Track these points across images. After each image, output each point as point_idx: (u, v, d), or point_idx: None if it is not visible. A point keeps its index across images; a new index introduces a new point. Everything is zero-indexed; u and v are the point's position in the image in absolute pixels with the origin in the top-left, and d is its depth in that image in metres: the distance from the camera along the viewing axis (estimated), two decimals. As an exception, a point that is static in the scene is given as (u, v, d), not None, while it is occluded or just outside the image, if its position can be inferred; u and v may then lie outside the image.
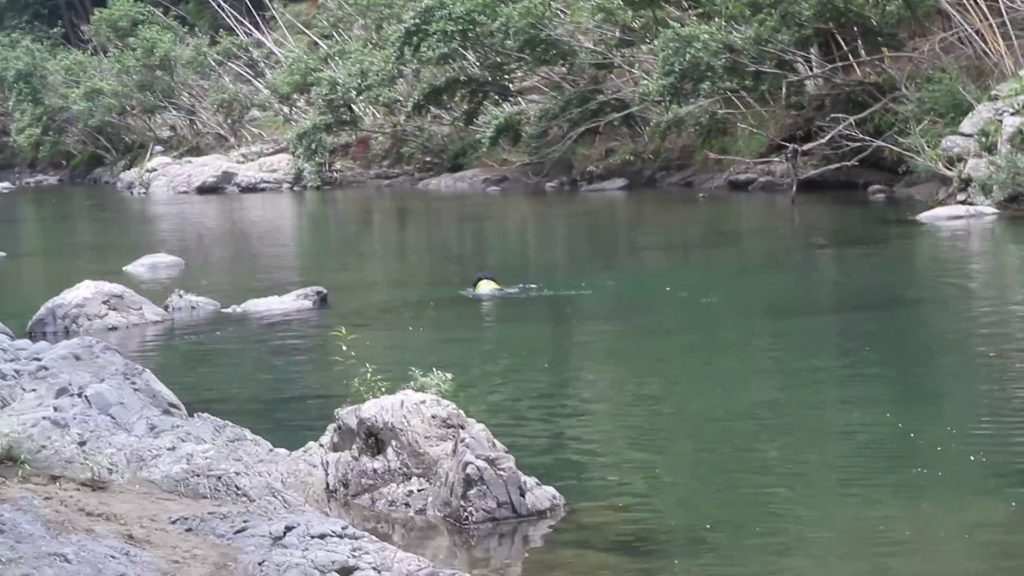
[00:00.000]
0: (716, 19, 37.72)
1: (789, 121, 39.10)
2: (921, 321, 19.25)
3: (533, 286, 23.05)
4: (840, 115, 35.37)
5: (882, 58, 36.91)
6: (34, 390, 11.74)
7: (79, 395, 11.38)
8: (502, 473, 10.48)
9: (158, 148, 64.68)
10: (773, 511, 10.70)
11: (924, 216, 30.23)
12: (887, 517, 10.36)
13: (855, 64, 37.74)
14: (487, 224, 38.03)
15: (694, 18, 40.34)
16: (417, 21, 46.16)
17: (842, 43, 37.88)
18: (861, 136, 34.43)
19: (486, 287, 22.68)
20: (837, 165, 35.62)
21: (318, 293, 22.27)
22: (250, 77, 64.04)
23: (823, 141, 35.51)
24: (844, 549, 9.80)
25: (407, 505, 10.88)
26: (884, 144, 34.04)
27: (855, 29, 37.19)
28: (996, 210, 30.05)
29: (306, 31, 64.10)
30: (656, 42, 39.45)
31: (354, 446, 11.33)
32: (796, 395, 14.65)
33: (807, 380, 15.37)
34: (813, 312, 20.47)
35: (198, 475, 9.86)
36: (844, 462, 12.00)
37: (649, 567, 9.59)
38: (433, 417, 11.09)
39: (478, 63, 48.09)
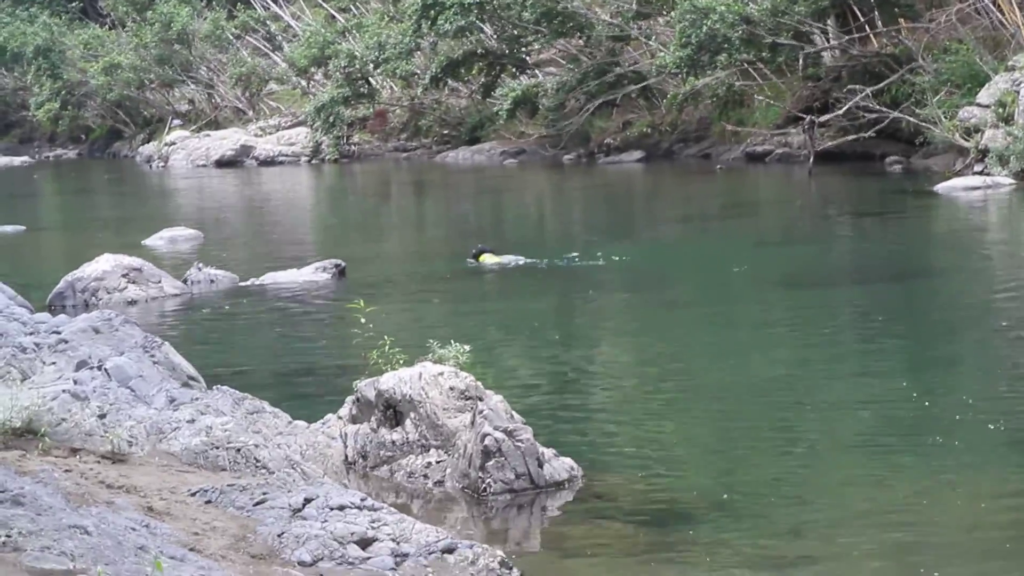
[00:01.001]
0: (733, -9, 37.69)
1: (806, 93, 38.89)
2: (938, 292, 19.27)
3: (546, 260, 23.08)
4: (857, 86, 35.18)
5: (899, 29, 36.66)
6: (54, 363, 11.77)
7: (99, 368, 11.39)
8: (520, 444, 10.52)
9: (176, 122, 64.67)
10: (790, 481, 10.70)
11: (941, 187, 30.19)
12: (904, 486, 10.38)
13: (872, 35, 37.52)
14: (504, 197, 38.00)
15: (711, -10, 40.40)
16: (435, -6, 46.19)
17: (859, 14, 37.62)
18: (878, 107, 34.29)
19: (489, 259, 22.85)
20: (854, 137, 35.48)
21: (336, 266, 22.29)
22: (268, 51, 63.88)
23: (840, 113, 35.34)
24: (861, 519, 9.80)
25: (425, 477, 10.91)
26: (901, 115, 33.92)
27: (872, 0, 37.03)
28: (1013, 181, 30.03)
29: (323, 4, 63.89)
30: (673, 14, 39.32)
31: (372, 418, 11.36)
32: (813, 366, 14.64)
33: (824, 351, 15.38)
34: (830, 283, 20.48)
35: (217, 447, 9.90)
36: (861, 432, 11.99)
37: (667, 537, 9.62)
38: (451, 389, 11.10)
39: (495, 36, 47.97)
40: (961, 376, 13.93)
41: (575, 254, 23.31)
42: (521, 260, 23.12)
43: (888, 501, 10.12)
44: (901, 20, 36.91)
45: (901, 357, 14.94)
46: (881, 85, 35.34)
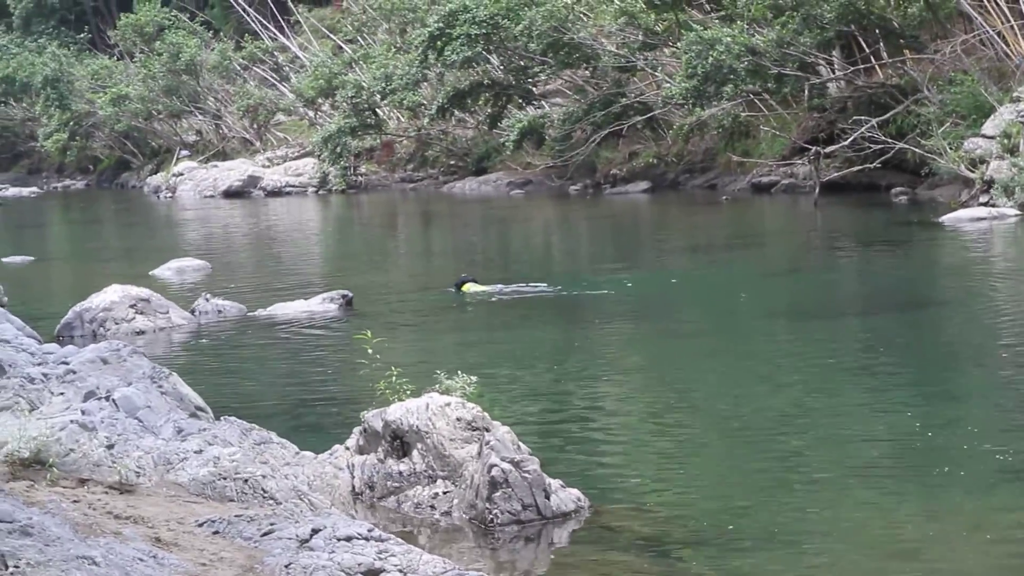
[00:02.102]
0: (738, 22, 37.81)
1: (811, 123, 39.11)
2: (943, 322, 19.28)
3: (548, 285, 23.24)
4: (862, 117, 35.38)
5: (904, 60, 36.85)
6: (62, 394, 11.71)
7: (107, 399, 11.37)
8: (527, 475, 10.52)
9: (184, 152, 64.98)
10: (796, 512, 10.72)
11: (947, 218, 30.25)
12: (910, 517, 10.39)
13: (877, 66, 37.76)
14: (511, 227, 38.13)
15: (716, 21, 40.39)
16: (441, 25, 46.37)
17: (864, 45, 37.85)
18: (883, 138, 34.42)
19: (472, 288, 22.99)
20: (860, 167, 35.61)
21: (343, 296, 22.29)
22: (275, 81, 64.23)
23: (845, 143, 35.52)
24: (866, 550, 9.81)
25: (432, 507, 10.90)
26: (906, 146, 34.05)
27: (877, 31, 37.20)
28: (1018, 212, 30.12)
29: (331, 35, 64.25)
30: (679, 45, 39.59)
31: (380, 449, 11.36)
32: (818, 396, 14.67)
33: (829, 381, 15.42)
34: (835, 314, 20.49)
35: (225, 478, 9.88)
36: (867, 463, 11.98)
37: (673, 568, 9.63)
38: (458, 420, 11.11)
39: (502, 67, 48.30)
40: (967, 407, 13.90)
41: (593, 282, 23.47)
42: (506, 288, 23.24)
43: (895, 532, 10.12)
44: (906, 51, 37.07)
45: (907, 388, 14.93)
46: (886, 116, 35.52)
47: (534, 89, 49.42)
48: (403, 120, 54.99)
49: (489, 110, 50.05)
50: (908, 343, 17.65)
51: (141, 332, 20.81)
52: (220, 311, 22.11)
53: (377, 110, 53.22)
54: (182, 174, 60.45)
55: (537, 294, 22.83)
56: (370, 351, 12.61)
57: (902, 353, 16.91)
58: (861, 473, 11.70)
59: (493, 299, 22.65)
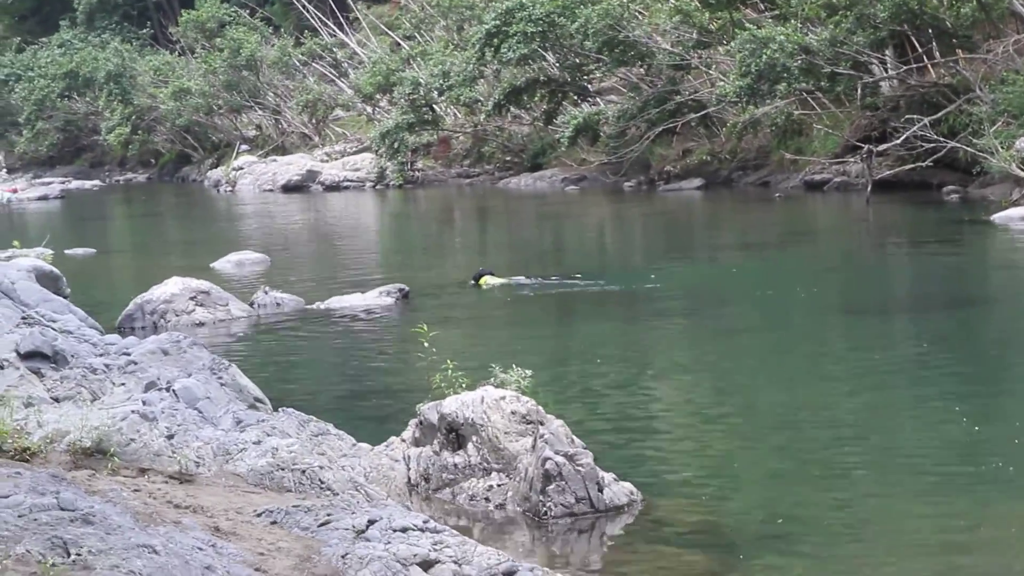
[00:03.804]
0: (792, 21, 37.85)
1: (864, 122, 38.87)
2: (993, 319, 19.28)
3: (582, 278, 23.52)
4: (915, 116, 35.21)
5: (956, 60, 36.62)
6: (123, 384, 11.79)
7: (167, 389, 11.40)
8: (580, 469, 10.54)
9: (244, 147, 65.34)
10: (846, 507, 10.74)
11: (997, 216, 30.05)
12: (960, 514, 10.42)
13: (929, 66, 37.48)
14: (565, 222, 38.02)
15: (770, 20, 40.49)
16: (498, 22, 46.50)
17: (917, 45, 37.57)
18: (935, 137, 34.29)
19: (491, 281, 23.38)
20: (912, 166, 35.46)
21: (400, 290, 22.47)
22: (334, 77, 64.49)
23: (898, 142, 35.34)
24: (916, 545, 9.89)
25: (487, 500, 10.93)
26: (958, 145, 33.85)
27: (930, 31, 37.04)
28: (1069, 210, 30.12)
29: (389, 32, 64.56)
30: (733, 43, 39.53)
31: (435, 441, 11.42)
32: (869, 393, 14.67)
33: (879, 377, 15.42)
34: (886, 310, 20.52)
35: (283, 469, 9.95)
36: (916, 459, 12.00)
37: (724, 562, 9.67)
38: (513, 413, 11.15)
39: (557, 64, 48.33)
40: (1017, 404, 13.83)
41: (652, 278, 23.51)
42: (524, 280, 23.60)
43: (944, 528, 10.18)
44: (959, 51, 36.84)
45: (957, 385, 14.91)
46: (939, 115, 35.35)
47: (589, 86, 49.33)
48: (460, 116, 55.06)
49: (545, 107, 50.08)
50: (958, 340, 17.67)
51: (201, 324, 20.93)
52: (278, 304, 22.25)
53: (434, 106, 53.34)
54: (242, 168, 60.78)
55: (579, 287, 22.94)
56: (426, 344, 12.75)
57: (953, 350, 16.92)
58: (912, 470, 11.70)
59: (527, 292, 22.87)
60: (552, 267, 25.83)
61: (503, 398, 11.27)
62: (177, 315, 21.17)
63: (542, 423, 11.01)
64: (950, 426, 12.92)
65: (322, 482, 9.88)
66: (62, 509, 7.57)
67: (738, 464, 12.26)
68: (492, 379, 11.82)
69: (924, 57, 37.64)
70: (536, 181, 49.37)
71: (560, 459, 10.53)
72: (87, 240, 35.62)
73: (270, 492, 9.67)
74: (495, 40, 46.84)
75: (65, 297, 17.95)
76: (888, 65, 38.73)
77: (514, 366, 12.00)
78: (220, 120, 67.91)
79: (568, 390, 15.37)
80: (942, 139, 34.36)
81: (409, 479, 11.39)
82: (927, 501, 10.81)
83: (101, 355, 12.65)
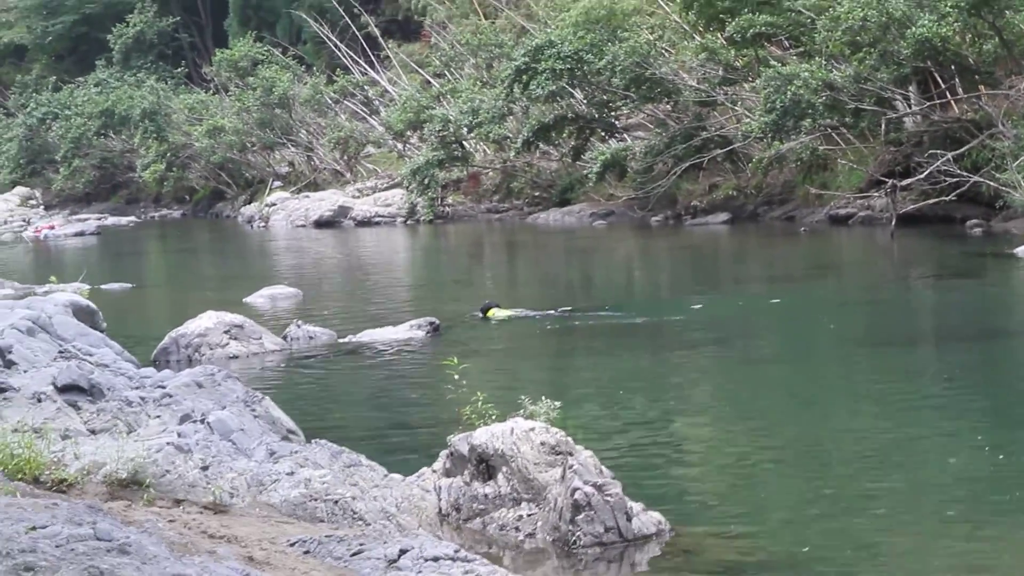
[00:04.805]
0: (816, 58, 37.88)
1: (888, 157, 38.91)
2: (1016, 352, 19.28)
3: (623, 313, 23.70)
4: (938, 151, 35.21)
5: (979, 96, 36.71)
6: (159, 416, 11.93)
7: (201, 421, 11.52)
8: (609, 498, 10.59)
9: (277, 183, 65.48)
10: (872, 536, 10.79)
11: (1020, 250, 29.89)
12: (984, 545, 10.48)
13: (952, 102, 37.58)
14: (594, 257, 38.08)
15: (795, 57, 40.69)
16: (527, 60, 46.66)
17: (940, 81, 37.73)
18: (959, 172, 34.32)
19: (498, 313, 23.86)
20: (935, 200, 35.48)
21: (431, 323, 22.59)
22: (365, 115, 64.77)
23: (921, 176, 35.29)
24: (941, 574, 9.94)
25: (517, 529, 10.98)
26: (981, 179, 33.95)
27: (952, 67, 37.14)
28: (1091, 244, 30.24)
29: (419, 70, 64.85)
30: (758, 80, 39.74)
31: (466, 472, 11.47)
32: (894, 424, 14.80)
33: (904, 409, 15.54)
34: (911, 343, 20.59)
35: (316, 499, 10.11)
36: (941, 490, 12.07)
37: None
38: (542, 444, 11.21)
39: (585, 100, 48.46)
40: None
41: (680, 310, 23.69)
42: (529, 313, 23.97)
43: (970, 556, 10.24)
44: (981, 87, 36.92)
45: (980, 414, 15.05)
46: (962, 150, 35.36)
47: (617, 122, 49.39)
48: (489, 152, 55.20)
49: (573, 143, 50.05)
50: (982, 372, 17.77)
51: (235, 357, 21.05)
52: (311, 337, 22.30)
53: (464, 143, 53.53)
54: (275, 204, 60.98)
55: (610, 319, 23.19)
56: (456, 377, 12.89)
57: (976, 382, 17.05)
58: (937, 500, 11.77)
59: (520, 316, 23.39)
60: (582, 300, 25.95)
61: (532, 429, 11.34)
62: (211, 348, 21.26)
63: (571, 454, 11.08)
64: (974, 456, 13.01)
65: (354, 512, 10.02)
66: (99, 539, 7.63)
67: (765, 493, 12.36)
68: (521, 411, 11.89)
69: (947, 93, 37.74)
70: (564, 216, 49.40)
71: (589, 489, 10.59)
72: (123, 275, 35.85)
73: (303, 522, 9.79)
74: (524, 77, 46.97)
75: (101, 331, 18.17)
76: (912, 101, 38.82)
77: (543, 398, 12.05)
78: (253, 157, 68.22)
79: (596, 421, 15.45)
80: (965, 174, 34.41)
81: (440, 509, 11.41)
82: (953, 530, 10.87)
83: (137, 388, 12.81)
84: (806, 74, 37.11)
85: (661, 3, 49.66)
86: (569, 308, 24.44)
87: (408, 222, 55.05)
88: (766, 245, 38.48)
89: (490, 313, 24.05)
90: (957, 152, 35.31)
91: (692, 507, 11.84)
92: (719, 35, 43.07)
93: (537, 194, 53.00)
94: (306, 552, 8.64)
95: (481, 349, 21.39)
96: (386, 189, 59.03)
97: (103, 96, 76.48)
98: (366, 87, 66.34)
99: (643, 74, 44.57)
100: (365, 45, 67.85)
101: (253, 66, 68.85)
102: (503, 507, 11.17)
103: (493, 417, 11.90)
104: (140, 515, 8.82)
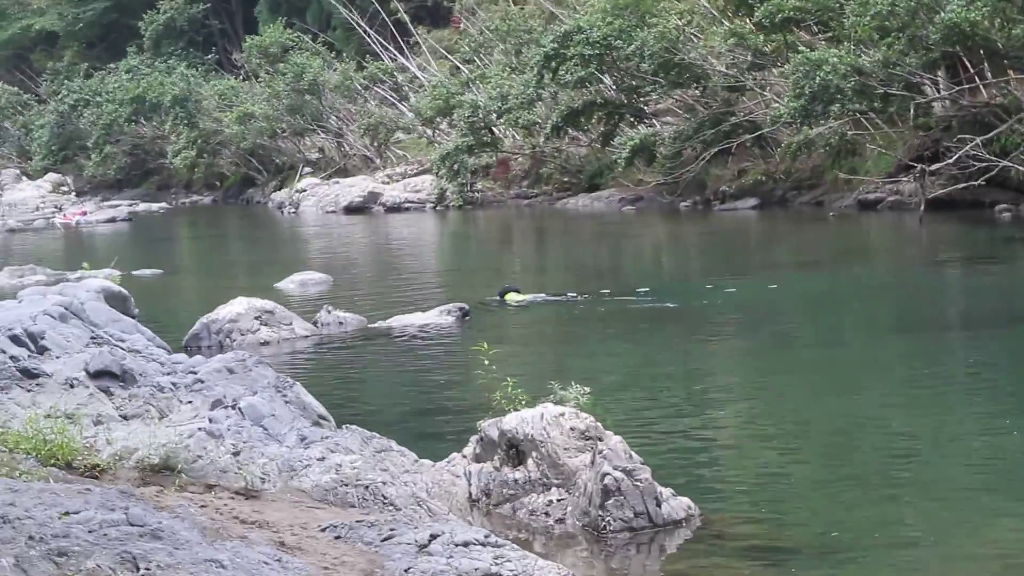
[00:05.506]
0: (845, 43, 37.86)
1: (917, 142, 38.95)
2: None
3: (580, 294, 24.07)
4: (967, 136, 35.20)
5: (1008, 80, 36.60)
6: (190, 402, 11.97)
7: (233, 407, 11.54)
8: (639, 484, 10.61)
9: (307, 169, 65.70)
10: (901, 521, 10.81)
11: None
12: (1011, 531, 10.48)
13: (981, 86, 37.54)
14: (623, 242, 38.18)
15: (824, 42, 40.61)
16: (556, 46, 46.84)
17: (968, 66, 37.64)
18: (988, 156, 34.29)
19: (514, 298, 24.17)
20: (964, 185, 35.38)
21: (460, 309, 22.76)
22: (395, 101, 64.91)
23: (950, 161, 35.30)
24: (969, 558, 9.96)
25: (547, 514, 10.98)
26: (1010, 164, 33.94)
27: (981, 52, 37.03)
28: (1120, 228, 30.20)
29: (449, 56, 65.00)
30: (787, 66, 39.78)
31: (496, 457, 11.48)
32: (922, 408, 14.82)
33: (933, 393, 15.59)
34: (939, 328, 20.66)
35: (347, 485, 10.14)
36: (969, 475, 12.08)
37: None
38: (572, 429, 11.19)
39: (614, 86, 48.62)
40: None
41: (699, 293, 23.78)
42: (544, 297, 24.31)
43: (998, 542, 10.23)
44: (1010, 71, 36.74)
45: (1008, 399, 15.01)
46: (991, 135, 35.33)
47: (645, 108, 49.48)
48: (518, 138, 55.32)
49: (602, 128, 50.20)
50: (1011, 356, 17.75)
51: (266, 343, 21.14)
52: (341, 323, 22.40)
53: (493, 128, 53.67)
54: (305, 190, 61.20)
55: (638, 303, 23.31)
56: (486, 362, 12.91)
57: (1005, 366, 17.07)
58: (963, 486, 11.79)
59: (539, 301, 23.76)
60: (610, 284, 25.99)
61: (562, 415, 11.36)
62: (242, 334, 21.36)
63: (600, 439, 11.08)
64: (1004, 441, 13.03)
65: (385, 497, 10.10)
66: (131, 524, 7.69)
67: (794, 478, 12.36)
68: (551, 396, 11.89)
69: (976, 78, 37.67)
70: (593, 202, 49.52)
71: (619, 474, 10.61)
72: (154, 261, 36.04)
73: (334, 507, 9.84)
74: (553, 63, 47.15)
75: (133, 317, 17.88)
76: (940, 86, 38.82)
77: (573, 383, 12.04)
78: (284, 143, 68.47)
79: (626, 406, 15.47)
80: (994, 158, 34.38)
81: (470, 494, 11.44)
82: (981, 515, 10.88)
83: (168, 374, 12.84)
84: (835, 59, 37.08)
85: (690, -12, 49.65)
86: (575, 293, 24.69)
87: (437, 208, 55.19)
88: (795, 230, 38.49)
89: (507, 297, 24.39)
90: (986, 137, 35.26)
91: (722, 492, 11.86)
92: (748, 20, 43.14)
93: (566, 180, 53.11)
94: (337, 537, 8.66)
95: (511, 334, 21.54)
96: (416, 175, 59.21)
97: (134, 83, 76.82)
98: (396, 73, 66.47)
99: (672, 59, 44.69)
100: (395, 31, 67.97)
101: (283, 52, 69.05)
102: (533, 492, 11.19)
103: (523, 402, 11.92)
104: (172, 500, 8.89)
